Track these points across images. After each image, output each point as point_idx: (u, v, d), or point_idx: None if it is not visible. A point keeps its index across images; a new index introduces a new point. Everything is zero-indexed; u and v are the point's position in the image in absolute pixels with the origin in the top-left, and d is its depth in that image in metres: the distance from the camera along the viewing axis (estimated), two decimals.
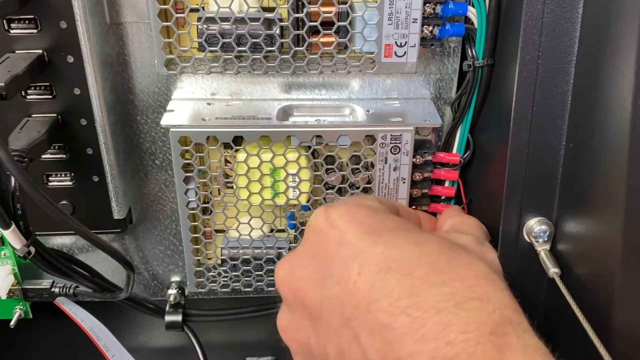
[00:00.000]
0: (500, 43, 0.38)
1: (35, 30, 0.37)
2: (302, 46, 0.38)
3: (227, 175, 0.42)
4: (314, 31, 0.38)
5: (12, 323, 0.47)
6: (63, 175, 0.41)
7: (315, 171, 0.41)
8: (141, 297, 0.48)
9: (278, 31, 0.38)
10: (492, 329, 0.25)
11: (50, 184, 0.41)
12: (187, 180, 0.41)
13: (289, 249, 0.44)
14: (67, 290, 0.45)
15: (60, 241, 0.47)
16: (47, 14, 0.36)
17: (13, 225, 0.34)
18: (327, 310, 0.29)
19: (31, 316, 0.48)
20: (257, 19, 0.37)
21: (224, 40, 0.38)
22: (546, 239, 0.36)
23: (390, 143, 0.40)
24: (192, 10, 0.38)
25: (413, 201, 0.43)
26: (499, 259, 0.36)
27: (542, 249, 0.36)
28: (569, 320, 0.32)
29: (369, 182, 0.41)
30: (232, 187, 0.42)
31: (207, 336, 0.51)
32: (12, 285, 0.46)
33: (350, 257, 0.29)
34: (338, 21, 0.38)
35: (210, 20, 0.37)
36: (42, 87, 0.38)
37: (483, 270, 0.28)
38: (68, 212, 0.42)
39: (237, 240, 0.44)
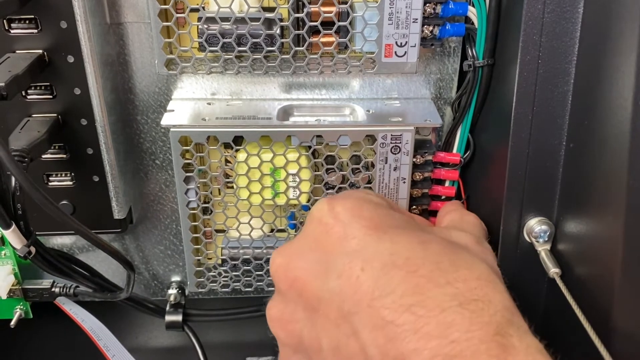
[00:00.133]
0: (500, 43, 0.38)
1: (35, 30, 0.37)
2: (303, 46, 0.38)
3: (227, 175, 0.42)
4: (314, 31, 0.38)
5: (12, 323, 0.47)
6: (63, 175, 0.41)
7: (315, 171, 0.41)
8: (141, 297, 0.48)
9: (278, 31, 0.38)
10: (496, 329, 0.25)
11: (50, 183, 0.41)
12: (187, 180, 0.41)
13: None
14: (68, 290, 0.45)
15: (61, 241, 0.47)
16: (47, 14, 0.36)
17: (13, 225, 0.34)
18: (325, 303, 0.28)
19: (31, 316, 0.48)
20: (257, 19, 0.37)
21: (225, 40, 0.38)
22: (546, 239, 0.36)
23: (391, 143, 0.40)
24: (193, 10, 0.38)
25: (413, 201, 0.43)
26: (499, 260, 0.36)
27: (543, 249, 0.36)
28: (570, 320, 0.32)
29: (369, 182, 0.41)
30: (232, 187, 0.42)
31: (207, 336, 0.51)
32: (13, 285, 0.46)
33: (354, 251, 0.28)
34: (338, 21, 0.38)
35: (211, 20, 0.37)
36: (43, 87, 0.38)
37: (485, 272, 0.28)
38: (68, 212, 0.42)
39: (237, 240, 0.44)
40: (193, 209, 0.42)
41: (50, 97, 0.39)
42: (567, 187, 0.35)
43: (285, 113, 0.42)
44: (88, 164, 0.41)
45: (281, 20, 0.38)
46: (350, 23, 0.38)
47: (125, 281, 0.41)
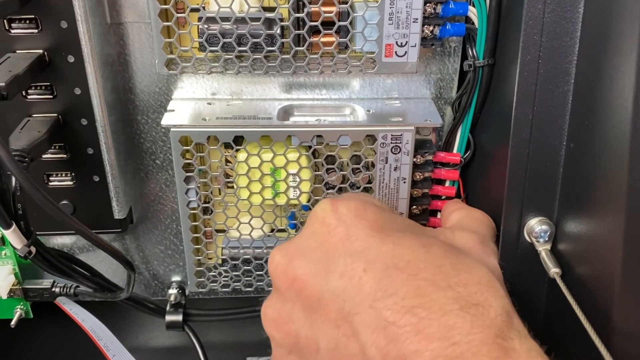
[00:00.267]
0: (500, 43, 0.38)
1: (35, 30, 0.37)
2: (303, 46, 0.38)
3: (227, 175, 0.42)
4: (315, 31, 0.38)
5: (12, 323, 0.47)
6: (64, 175, 0.41)
7: (315, 171, 0.41)
8: (142, 296, 0.48)
9: (279, 31, 0.38)
10: (497, 333, 0.25)
11: (50, 183, 0.41)
12: (187, 180, 0.41)
13: None
14: (68, 290, 0.45)
15: (61, 241, 0.47)
16: (47, 13, 0.36)
17: (14, 225, 0.34)
18: (325, 303, 0.28)
19: (32, 316, 0.48)
20: (257, 19, 0.37)
21: (225, 40, 0.38)
22: (547, 239, 0.36)
23: (391, 143, 0.40)
24: (193, 10, 0.38)
25: (414, 201, 0.43)
26: (500, 259, 0.36)
27: (543, 249, 0.36)
28: (570, 320, 0.32)
29: (369, 182, 0.41)
30: (232, 187, 0.42)
31: (207, 336, 0.51)
32: (13, 285, 0.46)
33: (357, 252, 0.29)
34: (339, 21, 0.38)
35: (211, 20, 0.37)
36: (43, 87, 0.38)
37: (485, 277, 0.28)
38: (69, 212, 0.42)
39: (237, 240, 0.44)
40: (193, 208, 0.42)
41: (51, 97, 0.39)
42: (567, 187, 0.35)
43: (286, 113, 0.42)
44: (88, 164, 0.41)
45: (281, 20, 0.38)
46: (350, 23, 0.38)
47: (125, 281, 0.41)
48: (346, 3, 0.37)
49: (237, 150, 0.40)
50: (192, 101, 0.42)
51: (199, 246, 0.45)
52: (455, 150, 0.43)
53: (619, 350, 0.30)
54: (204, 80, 0.42)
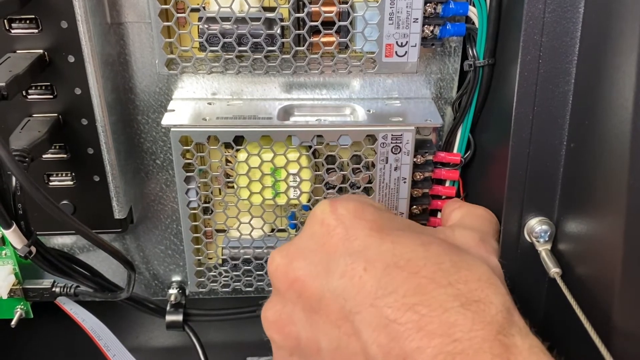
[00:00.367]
0: (501, 43, 0.38)
1: (36, 30, 0.37)
2: (303, 46, 0.38)
3: (227, 175, 0.42)
4: (315, 31, 0.38)
5: (13, 323, 0.47)
6: (64, 175, 0.41)
7: (316, 171, 0.41)
8: (142, 296, 0.48)
9: (279, 31, 0.38)
10: (498, 329, 0.25)
11: (51, 183, 0.41)
12: (188, 180, 0.41)
13: None
14: (68, 290, 0.45)
15: (61, 241, 0.47)
16: (48, 13, 0.36)
17: (14, 225, 0.34)
18: (326, 303, 0.28)
19: (32, 316, 0.48)
20: (258, 19, 0.37)
21: (225, 40, 0.38)
22: (547, 239, 0.36)
23: (391, 143, 0.40)
24: (193, 10, 0.38)
25: (414, 201, 0.43)
26: (500, 259, 0.36)
27: (543, 249, 0.36)
28: (570, 320, 0.32)
29: (369, 182, 0.41)
30: (233, 187, 0.42)
31: (207, 336, 0.51)
32: (13, 285, 0.46)
33: (357, 252, 0.29)
34: (339, 21, 0.38)
35: (211, 20, 0.37)
36: (43, 87, 0.38)
37: (485, 274, 0.28)
38: (69, 211, 0.42)
39: (238, 240, 0.44)
40: (194, 208, 0.42)
41: (51, 97, 0.39)
42: (567, 187, 0.35)
43: (286, 113, 0.42)
44: (88, 164, 0.41)
45: (282, 20, 0.38)
46: (350, 23, 0.38)
47: (125, 281, 0.41)
48: (346, 3, 0.37)
49: (237, 150, 0.40)
50: (193, 101, 0.42)
51: (199, 246, 0.45)
52: (455, 150, 0.43)
53: (619, 350, 0.30)
54: (204, 80, 0.42)
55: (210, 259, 0.46)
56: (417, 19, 0.38)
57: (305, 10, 0.37)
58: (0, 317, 0.48)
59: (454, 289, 0.26)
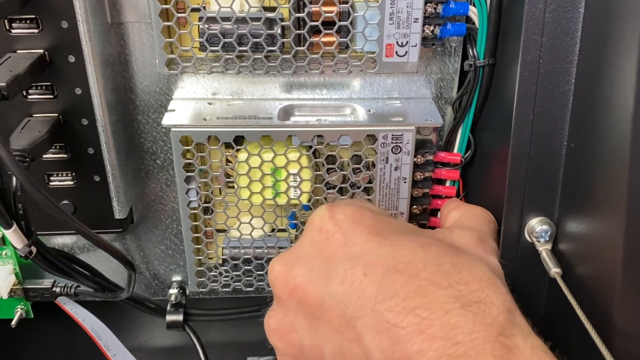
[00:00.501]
0: (501, 43, 0.38)
1: (36, 30, 0.37)
2: (303, 46, 0.38)
3: (228, 175, 0.42)
4: (315, 31, 0.38)
5: (13, 323, 0.47)
6: (64, 175, 0.41)
7: (316, 171, 0.41)
8: (142, 296, 0.48)
9: (279, 31, 0.38)
10: (500, 330, 0.25)
11: (51, 183, 0.41)
12: (188, 180, 0.41)
13: None
14: (69, 289, 0.45)
15: (62, 241, 0.47)
16: (48, 13, 0.36)
17: (14, 225, 0.34)
18: (327, 309, 0.28)
19: (32, 316, 0.48)
20: (258, 19, 0.37)
21: (225, 40, 0.38)
22: (547, 239, 0.36)
23: (392, 143, 0.40)
24: (193, 10, 0.38)
25: (414, 201, 0.43)
26: (500, 259, 0.36)
27: (544, 249, 0.36)
28: (571, 320, 0.32)
29: (370, 182, 0.41)
30: (233, 187, 0.42)
31: (208, 336, 0.51)
32: (14, 285, 0.46)
33: (356, 257, 0.29)
34: (339, 21, 0.38)
35: (212, 20, 0.37)
36: (44, 87, 0.38)
37: (486, 274, 0.28)
38: (69, 211, 0.42)
39: (238, 240, 0.44)
40: (194, 208, 0.42)
41: (51, 96, 0.39)
42: (568, 187, 0.35)
43: (286, 113, 0.42)
44: (89, 164, 0.41)
45: (282, 20, 0.38)
46: (351, 23, 0.38)
47: (126, 281, 0.41)
48: (347, 3, 0.37)
49: (237, 150, 0.40)
50: (193, 101, 0.42)
51: (200, 246, 0.45)
52: (455, 150, 0.43)
53: (619, 350, 0.30)
54: (205, 80, 0.42)
55: (211, 258, 0.46)
56: (417, 18, 0.38)
57: (306, 10, 0.37)
58: (0, 317, 0.48)
59: (455, 290, 0.26)
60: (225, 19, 0.37)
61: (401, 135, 0.40)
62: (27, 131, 0.38)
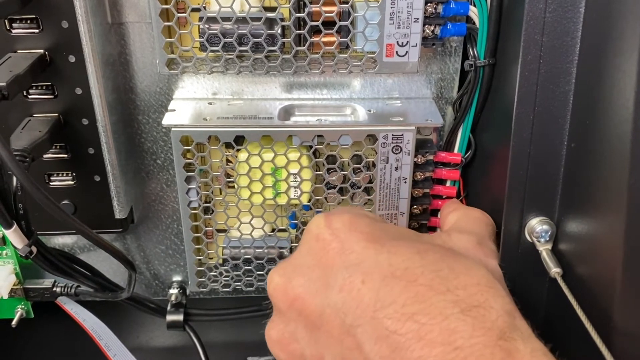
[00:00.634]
0: (501, 43, 0.38)
1: (36, 30, 0.37)
2: (304, 46, 0.38)
3: (228, 175, 0.42)
4: (316, 31, 0.38)
5: (13, 323, 0.47)
6: (65, 174, 0.41)
7: (316, 171, 0.41)
8: (143, 296, 0.48)
9: (279, 31, 0.38)
10: (499, 334, 0.25)
11: (51, 183, 0.41)
12: (188, 179, 0.41)
13: (291, 248, 0.44)
14: (69, 289, 0.45)
15: (62, 241, 0.47)
16: (48, 13, 0.36)
17: (15, 225, 0.34)
18: (327, 319, 0.28)
19: (33, 316, 0.48)
20: (258, 19, 0.37)
21: (226, 39, 0.38)
22: (548, 239, 0.36)
23: (392, 143, 0.40)
24: (194, 10, 0.38)
25: (414, 201, 0.43)
26: (501, 259, 0.36)
27: (544, 249, 0.36)
28: (571, 320, 0.32)
29: (370, 182, 0.41)
30: (233, 187, 0.42)
31: (208, 336, 0.51)
32: (14, 285, 0.46)
33: (354, 265, 0.29)
34: (339, 21, 0.38)
35: (212, 20, 0.37)
36: (44, 87, 0.38)
37: (484, 277, 0.28)
38: (69, 211, 0.42)
39: (238, 240, 0.44)
40: (194, 208, 0.42)
41: (52, 96, 0.39)
42: (568, 187, 0.35)
43: (287, 113, 0.42)
44: (89, 164, 0.41)
45: (282, 19, 0.38)
46: (351, 23, 0.38)
47: (126, 281, 0.41)
48: (347, 3, 0.37)
49: (238, 150, 0.40)
50: (193, 101, 0.42)
51: (200, 246, 0.45)
52: (456, 150, 0.43)
53: (619, 350, 0.30)
54: (205, 80, 0.42)
55: (211, 258, 0.46)
56: (417, 18, 0.38)
57: (306, 10, 0.37)
58: (1, 317, 0.48)
59: (453, 295, 0.26)
60: (226, 19, 0.37)
61: (401, 135, 0.40)
62: (27, 131, 0.38)
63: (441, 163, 0.43)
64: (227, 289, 0.46)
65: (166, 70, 0.39)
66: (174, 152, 0.40)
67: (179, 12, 0.37)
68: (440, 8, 0.38)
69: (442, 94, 0.43)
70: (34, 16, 0.36)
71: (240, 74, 0.42)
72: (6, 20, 0.36)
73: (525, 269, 0.37)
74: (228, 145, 0.40)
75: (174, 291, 0.49)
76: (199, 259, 0.44)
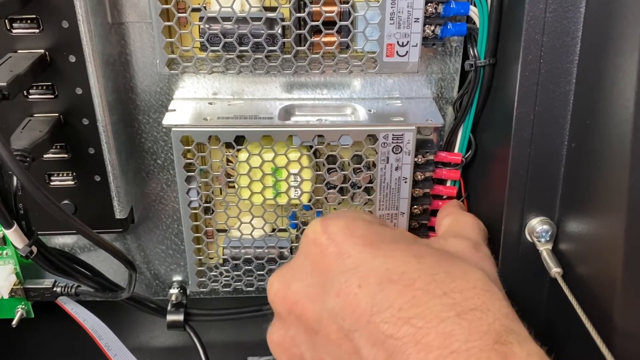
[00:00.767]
0: (502, 42, 0.38)
1: (37, 30, 0.37)
2: (304, 46, 0.38)
3: (228, 175, 0.42)
4: (316, 31, 0.38)
5: (14, 322, 0.47)
6: (65, 174, 0.41)
7: (317, 171, 0.41)
8: (143, 296, 0.48)
9: (280, 31, 0.38)
10: (495, 338, 0.25)
11: (52, 183, 0.41)
12: (188, 179, 0.41)
13: (291, 248, 0.44)
14: (69, 289, 0.45)
15: (62, 241, 0.47)
16: (49, 13, 0.36)
17: (15, 225, 0.34)
18: (325, 324, 0.29)
19: (33, 316, 0.48)
20: (258, 19, 0.37)
21: (226, 39, 0.38)
22: (548, 239, 0.36)
23: (392, 142, 0.40)
24: (194, 9, 0.38)
25: (415, 201, 0.43)
26: (501, 260, 0.36)
27: (544, 249, 0.36)
28: (572, 320, 0.32)
29: (370, 182, 0.41)
30: (233, 187, 0.42)
31: (208, 335, 0.51)
32: (14, 285, 0.46)
33: (350, 269, 0.29)
34: (340, 21, 0.38)
35: (212, 19, 0.37)
36: (44, 87, 0.38)
37: (481, 280, 0.28)
38: (70, 211, 0.42)
39: (238, 240, 0.44)
40: (194, 208, 0.42)
41: (52, 96, 0.39)
42: (568, 187, 0.35)
43: (287, 113, 0.42)
44: (90, 164, 0.41)
45: (283, 19, 0.38)
46: (351, 23, 0.38)
47: (126, 281, 0.41)
48: (347, 3, 0.37)
49: (238, 150, 0.40)
50: (194, 101, 0.42)
51: (200, 246, 0.45)
52: (456, 150, 0.43)
53: (620, 350, 0.30)
54: (205, 80, 0.42)
55: (211, 258, 0.46)
56: (418, 18, 0.38)
57: (306, 10, 0.37)
58: (1, 316, 0.48)
59: (450, 298, 0.26)
60: (226, 18, 0.37)
61: (402, 135, 0.40)
62: (27, 131, 0.38)
63: (441, 163, 0.43)
64: (228, 289, 0.46)
65: (166, 70, 0.39)
66: (175, 152, 0.40)
67: (179, 12, 0.37)
68: (440, 8, 0.38)
69: (442, 94, 0.43)
70: (34, 16, 0.36)
71: (240, 74, 0.42)
72: (6, 20, 0.36)
73: (525, 269, 0.37)
74: (228, 145, 0.40)
75: (174, 291, 0.49)
76: (200, 259, 0.45)
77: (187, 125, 0.39)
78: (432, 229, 0.45)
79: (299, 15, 0.37)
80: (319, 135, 0.40)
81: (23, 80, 0.35)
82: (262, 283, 0.46)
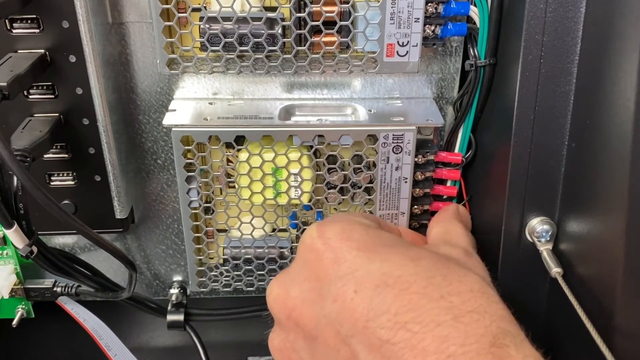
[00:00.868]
0: (502, 42, 0.38)
1: (37, 30, 0.37)
2: (304, 46, 0.38)
3: (229, 175, 0.42)
4: (316, 31, 0.38)
5: (14, 322, 0.47)
6: (65, 174, 0.41)
7: (317, 171, 0.41)
8: (143, 296, 0.48)
9: (280, 31, 0.38)
10: (492, 341, 0.25)
11: (52, 183, 0.41)
12: (189, 179, 0.41)
13: (291, 248, 0.44)
14: (69, 289, 0.45)
15: (63, 240, 0.47)
16: (49, 13, 0.36)
17: (15, 225, 0.34)
18: (323, 329, 0.29)
19: (33, 316, 0.48)
20: (259, 19, 0.37)
21: (226, 39, 0.38)
22: (548, 239, 0.36)
23: (392, 142, 0.40)
24: (194, 9, 0.38)
25: (415, 201, 0.43)
26: (501, 260, 0.36)
27: (545, 249, 0.36)
28: (572, 320, 0.32)
29: (370, 182, 0.41)
30: (234, 187, 0.42)
31: (209, 335, 0.51)
32: (15, 285, 0.46)
33: (346, 274, 0.29)
34: (340, 21, 0.38)
35: (212, 19, 0.37)
36: (45, 87, 0.39)
37: (477, 284, 0.28)
38: (70, 211, 0.42)
39: (239, 240, 0.44)
40: (195, 208, 0.42)
41: (52, 96, 0.39)
42: (569, 187, 0.35)
43: (287, 113, 0.42)
44: (90, 164, 0.41)
45: (283, 19, 0.38)
46: (352, 22, 0.38)
47: (127, 281, 0.41)
48: (347, 3, 0.37)
49: (238, 150, 0.40)
50: (194, 101, 0.42)
51: (201, 246, 0.45)
52: (456, 150, 0.43)
53: (620, 350, 0.30)
54: (206, 80, 0.42)
55: (212, 258, 0.46)
56: (418, 18, 0.38)
57: (307, 9, 0.37)
58: (1, 316, 0.48)
59: (446, 301, 0.26)
60: (226, 18, 0.37)
61: (402, 135, 0.40)
62: (28, 131, 0.38)
63: (442, 163, 0.43)
64: (228, 289, 0.46)
65: (167, 70, 0.39)
66: (175, 152, 0.40)
67: (179, 12, 0.37)
68: (440, 8, 0.38)
69: (442, 94, 0.43)
70: (34, 16, 0.36)
71: (240, 74, 0.42)
72: (7, 20, 0.36)
73: (525, 269, 0.37)
74: (229, 145, 0.40)
75: (174, 291, 0.49)
76: (200, 259, 0.45)
77: (187, 125, 0.39)
78: None
79: (299, 15, 0.37)
80: (319, 135, 0.40)
81: (23, 80, 0.35)
82: (263, 283, 0.46)
